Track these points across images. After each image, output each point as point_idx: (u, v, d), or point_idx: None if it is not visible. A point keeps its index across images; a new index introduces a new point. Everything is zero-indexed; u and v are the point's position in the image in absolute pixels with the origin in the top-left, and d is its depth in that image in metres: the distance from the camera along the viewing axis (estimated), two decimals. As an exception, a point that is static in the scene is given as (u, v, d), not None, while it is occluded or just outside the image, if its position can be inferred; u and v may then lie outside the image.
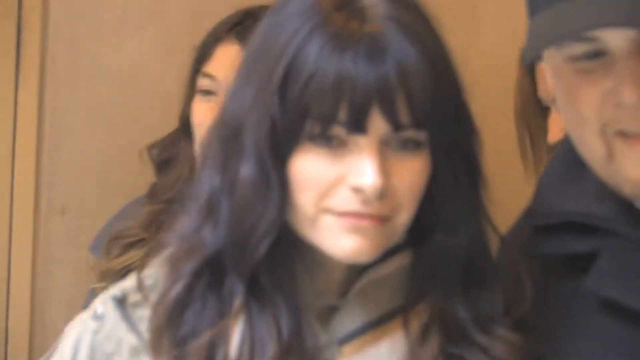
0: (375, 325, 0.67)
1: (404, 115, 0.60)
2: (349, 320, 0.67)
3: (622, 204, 0.65)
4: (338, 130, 0.60)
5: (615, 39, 0.59)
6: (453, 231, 0.66)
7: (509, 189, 0.79)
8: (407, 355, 0.66)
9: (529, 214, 0.76)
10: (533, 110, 1.08)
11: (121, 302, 0.69)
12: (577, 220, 0.68)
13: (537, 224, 0.73)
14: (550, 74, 0.67)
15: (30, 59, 1.58)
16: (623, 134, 0.61)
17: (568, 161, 0.71)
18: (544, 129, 1.03)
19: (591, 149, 0.63)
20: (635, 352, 0.65)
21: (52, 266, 1.58)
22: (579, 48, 0.60)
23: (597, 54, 0.60)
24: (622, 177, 0.62)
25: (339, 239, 0.62)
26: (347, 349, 0.66)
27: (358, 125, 0.60)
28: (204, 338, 0.63)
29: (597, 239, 0.68)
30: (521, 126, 1.10)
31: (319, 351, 0.65)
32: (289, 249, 0.65)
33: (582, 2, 0.59)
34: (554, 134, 0.97)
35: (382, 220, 0.62)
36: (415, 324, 0.67)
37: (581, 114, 0.62)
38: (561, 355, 0.69)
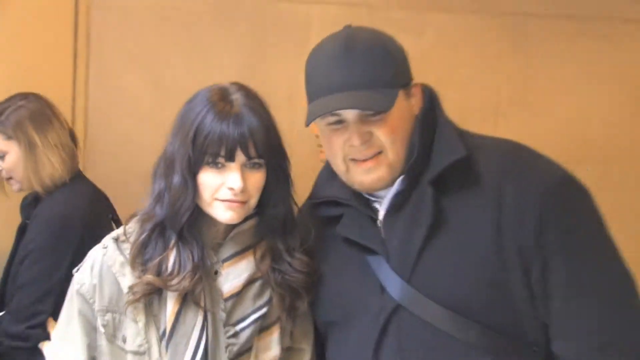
0: (239, 253, 1.34)
1: (252, 152, 1.24)
2: (226, 250, 1.34)
3: (354, 191, 1.34)
4: (221, 160, 1.24)
5: (347, 113, 1.25)
6: (277, 206, 1.35)
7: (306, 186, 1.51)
8: (254, 268, 1.34)
9: (310, 196, 1.49)
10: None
11: (116, 239, 1.36)
12: (332, 199, 1.40)
13: (314, 201, 1.46)
14: (319, 131, 1.34)
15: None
16: (354, 160, 1.29)
17: (328, 171, 1.41)
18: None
19: (338, 167, 1.31)
20: (358, 262, 1.34)
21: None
22: (331, 118, 1.26)
23: (340, 121, 1.26)
24: (353, 180, 1.31)
25: (222, 212, 1.27)
26: (226, 265, 1.32)
27: (230, 157, 1.23)
28: (156, 260, 1.29)
29: (342, 208, 1.38)
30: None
31: (212, 266, 1.32)
32: (198, 217, 1.31)
33: (331, 97, 1.25)
34: (322, 156, 1.62)
35: (243, 203, 1.27)
36: (259, 253, 1.35)
37: (333, 150, 1.29)
38: (325, 268, 1.40)
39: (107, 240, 1.42)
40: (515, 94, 2.73)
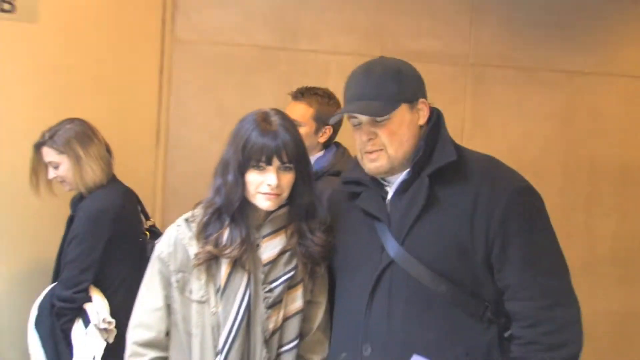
0: (275, 232, 1.74)
1: (284, 159, 1.64)
2: (265, 229, 1.73)
3: (372, 177, 1.72)
4: (262, 164, 1.64)
5: (361, 117, 1.66)
6: (302, 198, 1.73)
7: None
8: (285, 242, 1.73)
9: (341, 177, 1.90)
10: None
11: (186, 220, 1.77)
12: (356, 180, 1.77)
13: (344, 180, 1.84)
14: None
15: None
16: (364, 152, 1.69)
17: (356, 160, 1.77)
18: None
19: (357, 155, 1.73)
20: (368, 227, 1.71)
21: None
22: (354, 120, 1.69)
23: (359, 123, 1.67)
24: (363, 166, 1.70)
25: (263, 202, 1.67)
26: (264, 240, 1.72)
27: (269, 162, 1.64)
28: (214, 235, 1.69)
29: (362, 187, 1.76)
30: None
31: (255, 241, 1.71)
32: (245, 205, 1.69)
33: (348, 104, 1.70)
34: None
35: (277, 195, 1.67)
36: (289, 232, 1.74)
37: (356, 143, 1.71)
38: (345, 228, 1.79)
39: (180, 220, 1.86)
40: (475, 125, 3.56)
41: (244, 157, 1.72)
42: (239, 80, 3.27)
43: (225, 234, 1.74)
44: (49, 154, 2.65)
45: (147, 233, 2.92)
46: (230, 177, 1.75)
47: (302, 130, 2.75)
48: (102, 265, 2.66)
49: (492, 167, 1.75)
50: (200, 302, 1.80)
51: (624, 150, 3.96)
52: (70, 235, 2.68)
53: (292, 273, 1.79)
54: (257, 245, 1.78)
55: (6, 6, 2.79)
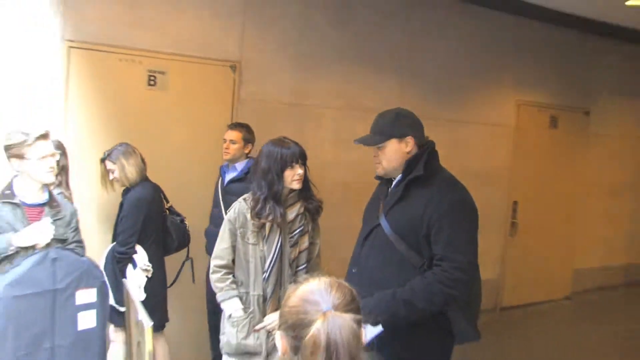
0: (293, 204, 3.02)
1: (302, 160, 2.98)
2: (288, 202, 3.03)
3: (387, 178, 2.73)
4: (293, 164, 2.92)
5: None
6: (306, 184, 3.03)
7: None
8: (299, 209, 3.02)
9: (378, 179, 2.84)
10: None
11: (245, 199, 3.05)
12: (379, 177, 2.81)
13: (378, 179, 2.80)
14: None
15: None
16: (375, 163, 2.67)
17: None
18: None
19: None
20: (378, 202, 2.73)
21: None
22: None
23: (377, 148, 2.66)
24: (376, 171, 2.72)
25: (296, 185, 2.95)
26: (288, 208, 3.00)
27: (298, 162, 2.95)
28: (265, 213, 2.96)
29: (382, 180, 2.80)
30: None
31: (286, 215, 3.00)
32: (282, 192, 2.98)
33: (361, 137, 2.67)
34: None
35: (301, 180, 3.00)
36: (300, 203, 3.02)
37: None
38: (370, 203, 2.86)
39: (241, 198, 2.96)
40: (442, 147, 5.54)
41: (282, 162, 2.87)
42: (274, 123, 5.06)
43: (268, 208, 2.90)
44: (108, 164, 3.79)
45: (167, 211, 4.08)
46: (270, 177, 2.89)
47: (238, 146, 4.27)
48: (141, 232, 3.76)
49: (445, 184, 2.49)
50: (254, 244, 2.96)
51: (484, 163, 6.39)
52: (122, 214, 3.81)
53: (302, 227, 3.01)
54: (284, 211, 2.93)
55: (152, 82, 4.57)
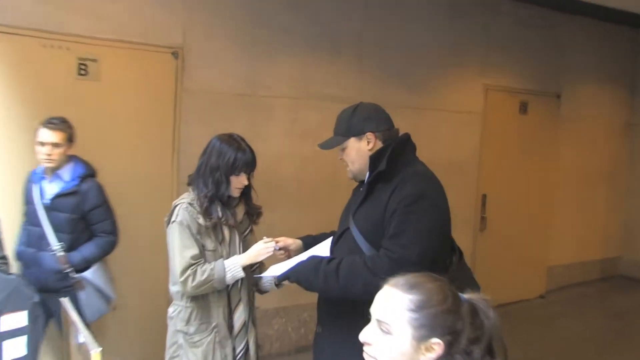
0: (237, 205, 3.10)
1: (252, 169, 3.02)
2: (239, 212, 3.14)
3: (362, 180, 2.67)
4: (241, 173, 2.94)
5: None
6: (249, 196, 3.16)
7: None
8: (242, 211, 3.12)
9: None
10: None
11: (190, 204, 2.95)
12: (356, 180, 2.75)
13: (355, 182, 2.77)
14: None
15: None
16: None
17: None
18: None
19: None
20: (353, 201, 2.69)
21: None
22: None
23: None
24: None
25: (237, 193, 3.04)
26: (238, 214, 3.13)
27: (247, 172, 2.98)
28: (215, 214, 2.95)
29: (359, 184, 2.74)
30: None
31: (236, 215, 3.13)
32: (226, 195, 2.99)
33: (323, 141, 2.68)
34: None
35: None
36: (241, 206, 3.13)
37: None
38: (347, 203, 2.80)
39: (184, 203, 2.92)
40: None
41: (232, 167, 2.92)
42: (223, 115, 5.00)
43: (219, 210, 2.96)
44: None
45: None
46: (219, 177, 2.94)
47: (63, 149, 3.69)
48: None
49: (408, 176, 2.51)
50: (212, 251, 2.99)
51: (451, 154, 6.38)
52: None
53: (250, 227, 3.18)
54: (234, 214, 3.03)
55: (82, 72, 4.39)
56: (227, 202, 3.02)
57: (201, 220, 2.94)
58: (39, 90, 4.27)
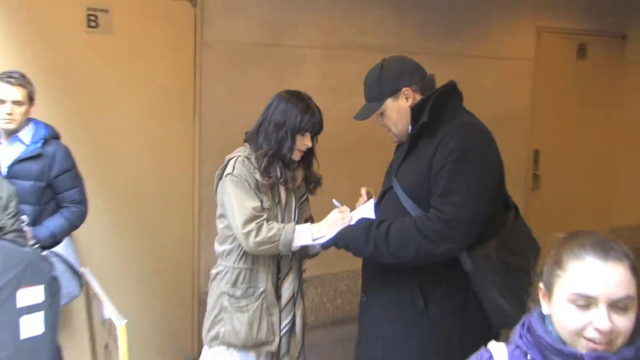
0: (297, 168, 3.09)
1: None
2: (298, 176, 3.13)
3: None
4: (307, 134, 3.00)
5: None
6: (310, 162, 3.21)
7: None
8: (302, 174, 3.13)
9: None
10: None
11: (247, 159, 2.95)
12: (402, 142, 2.76)
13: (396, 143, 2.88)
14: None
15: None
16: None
17: None
18: None
19: None
20: (396, 159, 2.73)
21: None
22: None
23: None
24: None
25: (298, 156, 3.07)
26: (296, 172, 3.13)
27: (312, 134, 3.03)
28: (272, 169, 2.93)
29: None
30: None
31: (295, 178, 3.10)
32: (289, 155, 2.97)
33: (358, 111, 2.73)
34: None
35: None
36: (301, 170, 3.14)
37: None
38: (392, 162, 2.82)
39: (240, 157, 2.96)
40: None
41: (299, 126, 2.93)
42: (245, 70, 4.92)
43: (278, 169, 2.95)
44: None
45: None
46: (283, 135, 2.94)
47: (25, 109, 3.46)
48: None
49: (454, 129, 2.51)
50: (268, 210, 2.99)
51: (498, 106, 6.23)
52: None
53: (306, 194, 3.20)
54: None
55: (92, 24, 4.31)
56: (288, 164, 3.02)
57: (258, 176, 2.95)
58: (43, 46, 4.21)
